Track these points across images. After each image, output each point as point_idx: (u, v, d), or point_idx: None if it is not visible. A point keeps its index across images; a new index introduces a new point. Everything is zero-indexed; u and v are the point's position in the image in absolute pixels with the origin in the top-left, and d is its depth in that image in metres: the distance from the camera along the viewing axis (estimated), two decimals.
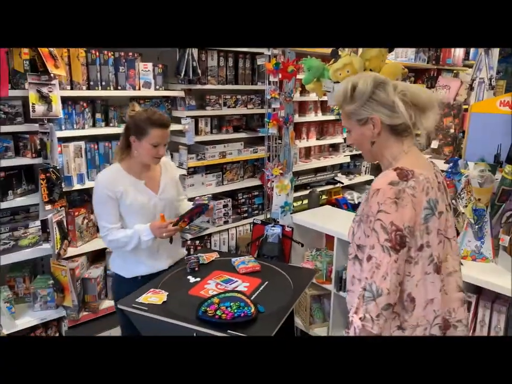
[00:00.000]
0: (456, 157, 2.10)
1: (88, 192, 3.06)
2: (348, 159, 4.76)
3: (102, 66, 2.80)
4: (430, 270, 1.19)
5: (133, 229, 1.85)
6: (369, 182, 5.26)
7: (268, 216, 3.91)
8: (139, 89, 3.02)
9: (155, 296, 1.59)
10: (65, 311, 2.75)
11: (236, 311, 1.47)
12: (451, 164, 2.10)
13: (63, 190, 2.65)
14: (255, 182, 3.89)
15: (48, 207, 2.54)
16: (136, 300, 1.57)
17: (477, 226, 1.90)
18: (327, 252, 2.71)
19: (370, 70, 2.19)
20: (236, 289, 1.66)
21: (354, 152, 4.97)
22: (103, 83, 2.83)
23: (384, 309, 1.11)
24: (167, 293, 1.61)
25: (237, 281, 1.72)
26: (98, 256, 3.10)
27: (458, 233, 2.22)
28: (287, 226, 2.65)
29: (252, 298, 1.57)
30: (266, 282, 1.72)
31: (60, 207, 2.64)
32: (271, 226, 2.66)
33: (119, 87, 2.93)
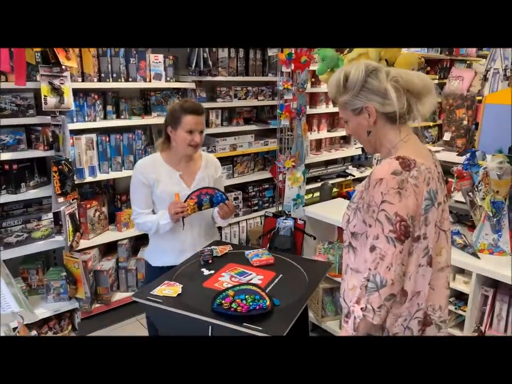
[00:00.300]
0: (473, 149, 2.05)
1: (99, 185, 3.07)
2: (359, 151, 4.71)
3: (113, 58, 2.79)
4: (423, 263, 1.17)
5: (158, 214, 1.93)
6: None
7: (279, 208, 3.89)
8: (150, 81, 3.01)
9: (169, 289, 1.59)
10: (78, 303, 2.77)
11: (251, 304, 1.45)
12: (468, 156, 2.05)
13: (75, 183, 2.66)
14: (266, 174, 3.87)
15: (61, 199, 2.55)
16: (151, 292, 1.56)
17: (495, 219, 1.87)
18: (340, 245, 2.68)
19: (386, 60, 2.14)
20: (250, 282, 1.65)
21: None
22: (114, 75, 2.82)
23: (387, 300, 1.11)
24: (182, 285, 1.60)
25: (251, 274, 1.70)
26: (110, 249, 3.12)
27: (473, 226, 2.18)
28: (299, 219, 2.63)
29: (266, 291, 1.56)
30: (281, 275, 1.70)
31: (72, 200, 2.65)
32: (283, 219, 2.64)
33: (130, 79, 2.92)
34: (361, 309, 1.12)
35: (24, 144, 2.54)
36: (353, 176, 4.65)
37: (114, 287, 3.04)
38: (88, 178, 2.78)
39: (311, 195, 4.15)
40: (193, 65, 3.06)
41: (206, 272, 1.75)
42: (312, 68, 3.45)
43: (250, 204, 3.80)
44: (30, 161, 2.61)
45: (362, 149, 4.84)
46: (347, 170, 4.70)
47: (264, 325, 1.35)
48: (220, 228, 3.53)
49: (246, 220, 3.75)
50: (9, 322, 1.11)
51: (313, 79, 3.88)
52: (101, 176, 2.86)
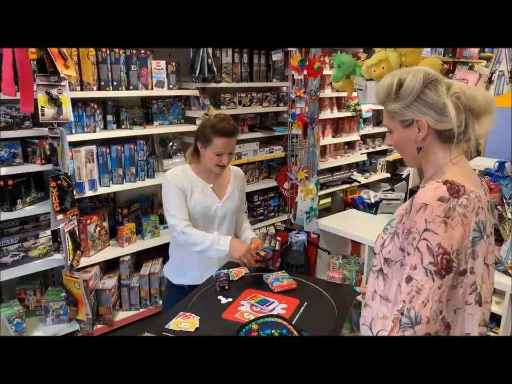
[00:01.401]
0: (502, 159, 1.94)
1: (99, 198, 2.92)
2: (364, 157, 4.59)
3: (113, 65, 2.64)
4: (471, 301, 1.07)
5: (213, 234, 1.82)
6: (384, 180, 5.10)
7: (285, 218, 3.76)
8: (152, 88, 2.87)
9: (186, 322, 1.44)
10: (79, 324, 2.61)
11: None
12: (496, 167, 1.94)
13: (75, 198, 2.50)
14: (271, 183, 3.74)
15: (60, 216, 2.39)
16: (166, 327, 1.42)
17: None
18: (356, 260, 2.55)
19: (406, 66, 2.03)
20: (273, 312, 1.51)
21: (371, 150, 4.81)
22: (115, 83, 2.67)
23: None
24: (199, 317, 1.46)
25: (273, 302, 1.56)
26: (111, 266, 2.96)
27: (500, 241, 2.06)
28: (313, 233, 2.50)
29: (293, 322, 1.42)
30: (306, 303, 1.57)
31: (72, 216, 2.49)
32: (295, 233, 2.51)
33: (131, 87, 2.77)
34: None
35: (20, 158, 2.38)
36: (359, 182, 4.53)
37: (116, 306, 2.88)
38: (88, 193, 2.63)
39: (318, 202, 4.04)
40: (197, 72, 2.91)
41: (223, 300, 1.61)
42: (326, 72, 3.33)
43: (255, 213, 3.66)
44: (26, 176, 2.46)
45: (367, 155, 4.75)
46: (352, 177, 4.59)
47: None
48: None
49: (252, 230, 3.60)
50: None
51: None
52: (101, 190, 2.71)
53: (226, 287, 1.69)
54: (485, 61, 6.00)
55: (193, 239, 1.80)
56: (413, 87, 1.06)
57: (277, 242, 1.84)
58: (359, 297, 1.77)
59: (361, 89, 2.04)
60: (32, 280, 2.64)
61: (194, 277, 1.87)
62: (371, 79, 2.05)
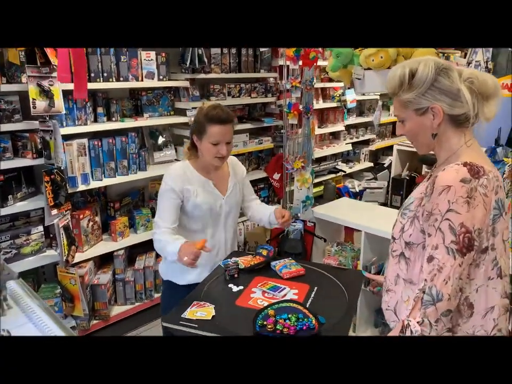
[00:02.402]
0: (493, 145, 2.02)
1: (91, 192, 2.87)
2: (349, 147, 4.66)
3: (103, 56, 2.59)
4: (493, 275, 1.12)
5: (176, 240, 1.66)
6: (367, 169, 5.20)
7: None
8: (142, 80, 2.82)
9: (201, 311, 1.45)
10: (75, 321, 2.58)
11: (296, 324, 1.33)
12: (489, 152, 2.01)
13: (68, 192, 2.45)
14: (260, 174, 3.75)
15: (54, 211, 2.34)
16: (182, 316, 1.42)
17: None
18: (352, 246, 2.61)
19: (403, 56, 2.07)
20: (286, 297, 1.53)
21: (355, 140, 4.88)
22: (105, 74, 2.61)
23: (444, 315, 1.04)
24: (213, 306, 1.47)
25: (284, 288, 1.58)
26: (105, 260, 2.92)
27: None
28: (309, 221, 2.53)
29: (307, 307, 1.45)
30: (316, 288, 1.60)
31: (66, 211, 2.44)
32: (292, 222, 2.54)
33: (121, 78, 2.72)
34: (418, 323, 1.05)
35: (10, 153, 2.31)
36: (345, 172, 4.60)
37: (112, 301, 2.85)
38: (81, 187, 2.58)
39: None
40: (188, 62, 2.88)
41: (234, 288, 1.62)
42: (321, 63, 3.34)
43: None
44: (16, 171, 2.39)
45: (352, 145, 4.82)
46: (337, 166, 4.66)
47: None
48: None
49: (243, 222, 3.62)
50: None
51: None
52: (94, 184, 2.66)
53: (236, 275, 1.70)
54: (460, 52, 6.17)
55: (158, 244, 1.73)
56: (427, 76, 1.09)
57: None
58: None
59: (360, 79, 2.08)
60: (23, 278, 2.56)
61: (193, 276, 1.80)
62: (369, 69, 2.08)
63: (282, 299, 1.51)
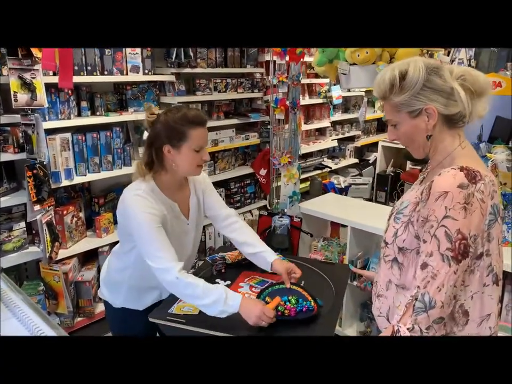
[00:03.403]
0: (476, 141, 2.05)
1: (74, 188, 2.82)
2: (335, 143, 4.69)
3: (87, 49, 2.54)
4: (488, 282, 1.09)
5: (219, 286, 1.37)
6: (352, 166, 5.24)
7: (261, 205, 3.79)
8: (127, 74, 2.78)
9: (189, 306, 1.44)
10: (59, 318, 2.54)
11: (296, 305, 1.36)
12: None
13: (51, 187, 2.40)
14: (246, 170, 3.75)
15: (37, 207, 2.29)
16: (169, 311, 1.41)
17: (506, 212, 1.87)
18: (338, 241, 2.62)
19: (388, 52, 2.09)
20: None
21: (341, 136, 4.91)
22: (89, 67, 2.57)
23: (436, 322, 1.02)
24: None
25: (271, 282, 1.59)
26: (89, 257, 2.88)
27: None
28: (295, 217, 2.54)
29: (306, 289, 1.48)
30: (303, 282, 1.60)
31: (49, 207, 2.40)
32: (279, 218, 2.55)
33: (106, 72, 2.67)
34: (408, 329, 1.02)
35: None
36: (330, 168, 4.63)
37: (97, 298, 2.81)
38: (65, 182, 2.54)
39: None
40: (174, 57, 2.85)
41: (222, 283, 1.62)
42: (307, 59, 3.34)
43: (232, 201, 3.66)
44: None
45: (338, 141, 4.85)
46: (323, 162, 4.68)
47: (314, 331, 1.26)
48: (203, 227, 3.36)
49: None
50: None
51: None
52: (78, 179, 2.62)
53: (223, 270, 1.70)
54: (443, 49, 6.25)
55: (192, 291, 1.34)
56: (418, 76, 1.06)
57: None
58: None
59: (345, 74, 2.08)
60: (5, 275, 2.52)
61: (155, 295, 1.59)
62: (354, 64, 2.09)
63: (275, 282, 1.53)
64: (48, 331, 0.95)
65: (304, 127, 4.32)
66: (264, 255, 1.59)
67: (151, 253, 1.38)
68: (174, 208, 1.54)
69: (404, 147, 1.20)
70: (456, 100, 1.06)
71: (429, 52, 6.84)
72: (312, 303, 1.38)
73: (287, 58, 2.46)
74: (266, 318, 1.30)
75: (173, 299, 1.48)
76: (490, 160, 1.93)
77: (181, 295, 1.41)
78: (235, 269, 1.72)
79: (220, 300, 1.30)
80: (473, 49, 4.31)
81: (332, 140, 4.65)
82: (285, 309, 1.35)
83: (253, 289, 1.57)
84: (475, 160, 1.11)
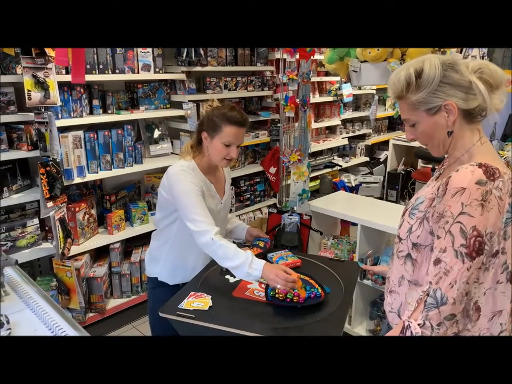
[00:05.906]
0: (489, 139, 2.02)
1: (86, 185, 2.86)
2: (345, 141, 4.67)
3: (99, 48, 2.57)
4: (502, 279, 1.08)
5: (248, 252, 1.51)
6: (363, 164, 5.22)
7: (270, 203, 3.80)
8: (138, 72, 2.81)
9: (199, 301, 1.45)
10: (71, 313, 2.57)
11: (305, 292, 1.43)
12: None
13: (64, 185, 2.44)
14: (256, 168, 3.75)
15: (50, 204, 2.33)
16: (179, 307, 1.42)
17: None
18: (348, 239, 2.62)
19: (400, 49, 2.07)
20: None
21: (351, 134, 4.89)
22: (101, 66, 2.60)
23: (447, 319, 1.01)
24: (210, 296, 1.48)
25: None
26: (100, 253, 2.92)
27: None
28: (305, 215, 2.54)
29: (312, 277, 1.54)
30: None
31: (61, 203, 2.43)
32: (288, 215, 2.54)
33: (117, 71, 2.70)
34: (419, 325, 1.02)
35: (5, 145, 2.30)
36: (341, 166, 4.61)
37: (108, 294, 2.85)
38: (77, 179, 2.57)
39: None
40: (184, 55, 2.87)
41: (231, 279, 1.63)
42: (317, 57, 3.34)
43: (242, 198, 3.68)
44: (12, 163, 2.38)
45: (348, 139, 4.83)
46: (333, 161, 4.66)
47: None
48: None
49: (239, 215, 3.62)
50: None
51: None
52: (90, 177, 2.65)
53: None
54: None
55: (224, 251, 1.51)
56: (434, 73, 1.05)
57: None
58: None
59: (356, 71, 2.07)
60: None
61: (186, 275, 1.74)
62: (365, 61, 2.08)
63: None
64: (64, 325, 0.96)
65: (314, 125, 4.31)
66: (241, 227, 1.97)
67: (192, 217, 1.57)
68: (210, 187, 1.74)
69: (423, 146, 1.19)
70: (475, 93, 1.05)
71: (442, 50, 6.78)
72: (320, 290, 1.46)
73: (297, 56, 2.45)
74: (285, 275, 1.42)
75: (182, 295, 1.50)
76: (503, 157, 1.91)
77: (215, 255, 1.55)
78: None
79: (245, 263, 1.46)
80: None
81: (342, 138, 4.63)
82: (293, 295, 1.41)
83: (262, 285, 1.57)
84: (494, 157, 1.09)
